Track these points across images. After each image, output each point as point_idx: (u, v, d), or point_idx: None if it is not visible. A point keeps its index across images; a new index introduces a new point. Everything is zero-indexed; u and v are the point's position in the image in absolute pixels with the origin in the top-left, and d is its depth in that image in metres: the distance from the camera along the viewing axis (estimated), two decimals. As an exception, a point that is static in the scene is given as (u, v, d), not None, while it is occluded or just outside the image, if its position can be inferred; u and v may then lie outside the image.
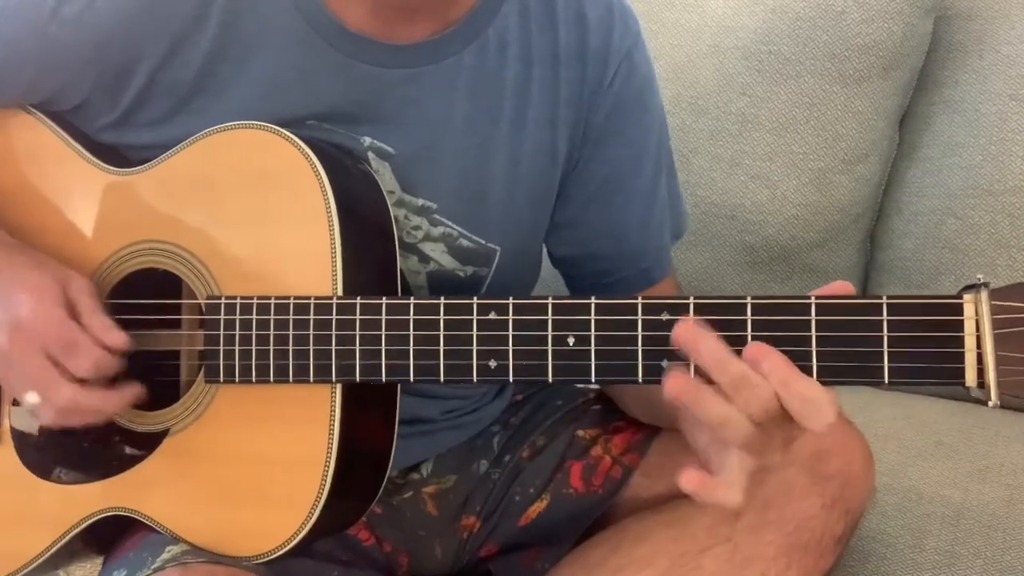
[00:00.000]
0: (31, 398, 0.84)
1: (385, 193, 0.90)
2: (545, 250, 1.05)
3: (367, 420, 0.87)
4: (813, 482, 0.90)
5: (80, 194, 0.92)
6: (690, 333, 0.71)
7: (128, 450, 0.89)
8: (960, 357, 0.68)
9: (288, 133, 0.85)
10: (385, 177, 0.92)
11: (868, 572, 1.13)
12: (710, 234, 1.48)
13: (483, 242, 0.96)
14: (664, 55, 1.48)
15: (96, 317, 0.85)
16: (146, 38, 0.87)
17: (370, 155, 0.92)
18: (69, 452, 0.91)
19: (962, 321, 0.68)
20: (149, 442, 0.88)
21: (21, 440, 0.92)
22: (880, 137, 1.45)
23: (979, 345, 0.67)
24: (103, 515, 0.89)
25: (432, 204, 0.94)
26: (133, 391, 0.86)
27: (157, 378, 0.88)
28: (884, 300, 0.70)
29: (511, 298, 0.78)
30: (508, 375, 0.78)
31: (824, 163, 1.44)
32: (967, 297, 0.68)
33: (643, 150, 1.01)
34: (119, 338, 0.85)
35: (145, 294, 0.89)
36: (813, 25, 1.41)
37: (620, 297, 0.76)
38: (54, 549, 0.90)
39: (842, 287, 0.73)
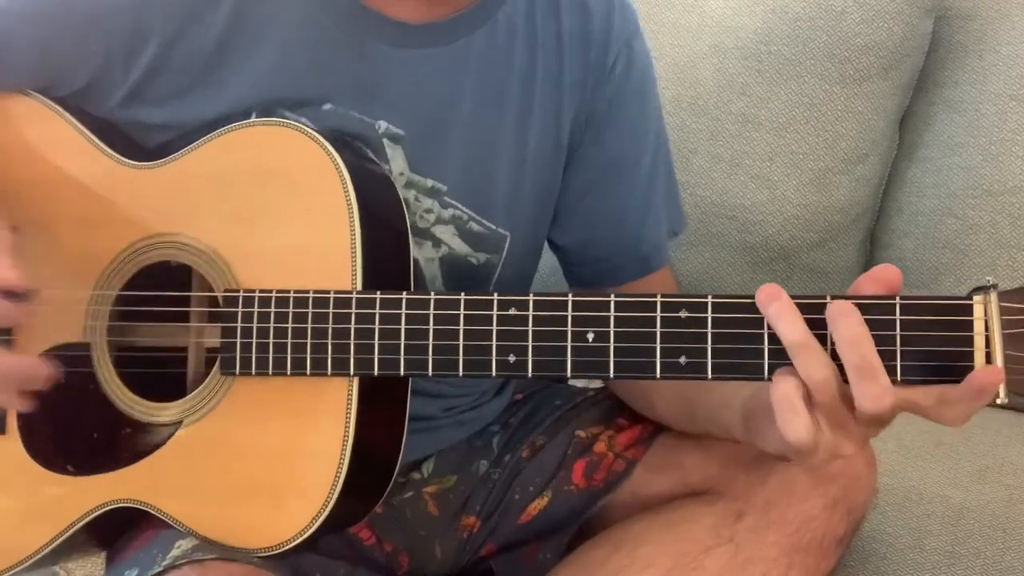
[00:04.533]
0: None
1: (400, 190, 0.91)
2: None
3: (380, 416, 0.87)
4: (815, 483, 0.90)
5: (97, 186, 0.92)
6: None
7: (139, 441, 0.88)
8: (970, 356, 0.71)
9: (309, 130, 0.86)
10: (397, 160, 0.93)
11: (868, 572, 1.12)
12: (710, 234, 1.47)
13: (493, 227, 0.97)
14: (664, 55, 1.48)
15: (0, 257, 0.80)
16: (157, 10, 0.88)
17: (385, 142, 0.92)
18: (78, 443, 0.90)
19: (972, 321, 0.71)
20: (161, 434, 0.88)
21: (28, 432, 0.91)
22: (880, 137, 1.45)
23: (988, 344, 0.70)
24: (112, 507, 0.88)
25: (442, 186, 0.94)
26: (30, 363, 0.82)
27: (172, 369, 0.88)
28: (897, 300, 0.72)
29: (532, 294, 0.78)
30: (527, 371, 0.78)
31: (824, 163, 1.44)
32: (977, 298, 0.71)
33: (643, 139, 1.02)
34: (11, 275, 0.79)
35: (161, 287, 0.89)
36: (813, 25, 1.41)
37: (639, 295, 0.77)
38: (58, 542, 0.90)
39: (883, 271, 0.73)
